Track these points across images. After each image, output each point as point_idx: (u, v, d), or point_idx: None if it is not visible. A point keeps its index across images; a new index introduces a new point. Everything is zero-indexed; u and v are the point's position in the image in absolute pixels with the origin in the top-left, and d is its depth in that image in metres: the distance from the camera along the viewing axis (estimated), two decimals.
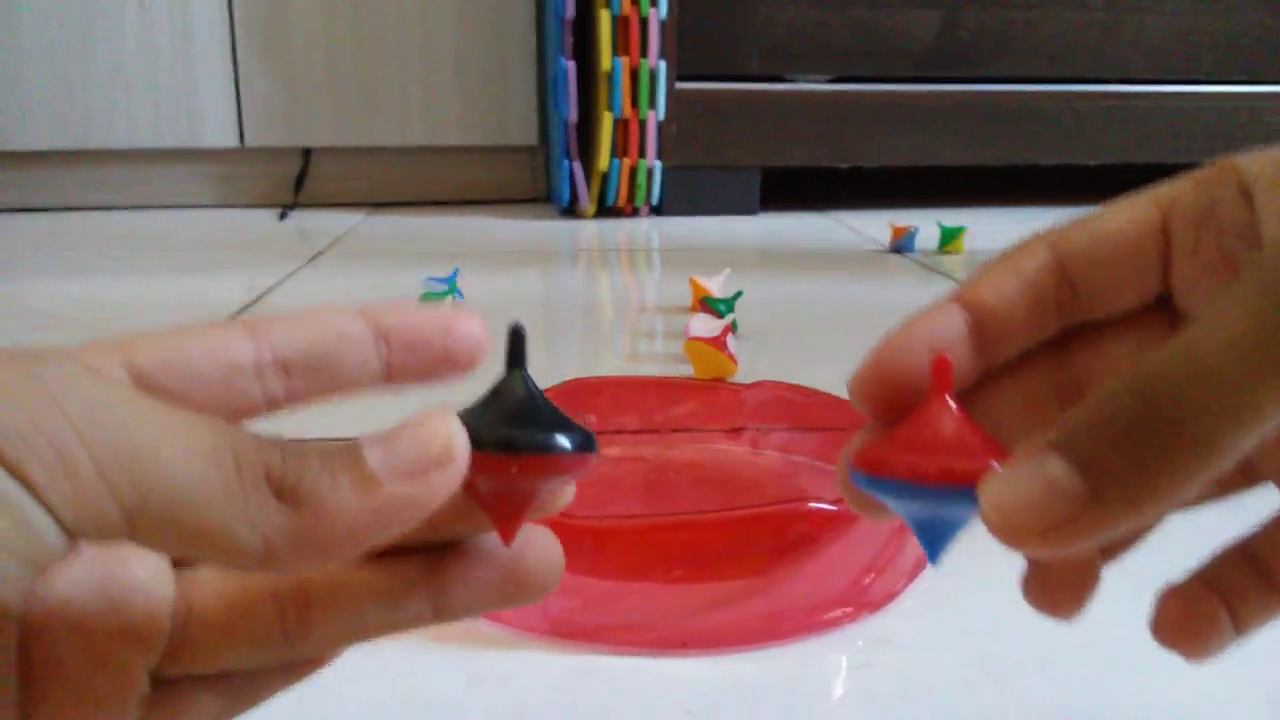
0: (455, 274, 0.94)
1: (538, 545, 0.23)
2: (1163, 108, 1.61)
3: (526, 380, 0.21)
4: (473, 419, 0.20)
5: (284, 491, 0.18)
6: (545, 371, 0.76)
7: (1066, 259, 0.24)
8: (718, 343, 0.74)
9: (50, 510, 0.16)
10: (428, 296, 0.86)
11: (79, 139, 1.63)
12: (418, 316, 0.22)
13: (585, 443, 0.21)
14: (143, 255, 1.33)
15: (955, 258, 1.24)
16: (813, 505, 0.43)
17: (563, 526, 0.42)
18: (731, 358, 0.74)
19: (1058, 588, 0.24)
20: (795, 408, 0.59)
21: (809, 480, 0.56)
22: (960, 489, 0.20)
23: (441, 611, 0.23)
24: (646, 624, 0.41)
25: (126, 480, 0.17)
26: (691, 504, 0.54)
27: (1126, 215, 0.24)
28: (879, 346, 0.24)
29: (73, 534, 0.17)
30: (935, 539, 0.21)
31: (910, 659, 0.41)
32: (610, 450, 0.59)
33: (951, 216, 1.36)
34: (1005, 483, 0.19)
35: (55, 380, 0.17)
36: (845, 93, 1.57)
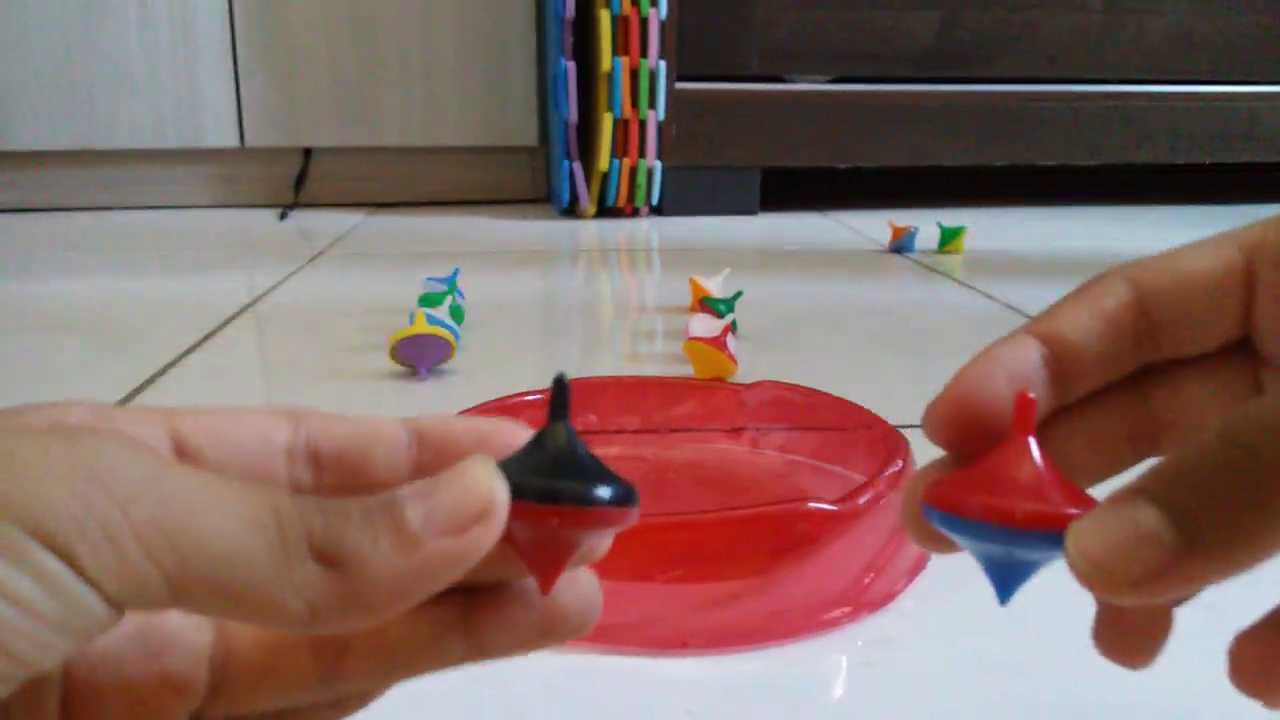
0: (455, 274, 0.94)
1: (575, 585, 0.23)
2: (1162, 108, 1.61)
3: (569, 431, 0.21)
4: (513, 469, 0.20)
5: (326, 555, 0.18)
6: (545, 371, 0.76)
7: (1148, 297, 0.24)
8: (718, 343, 0.74)
9: (96, 586, 0.16)
10: (427, 297, 0.86)
11: (80, 139, 1.63)
12: (456, 424, 0.22)
13: (627, 496, 0.21)
14: (143, 255, 1.33)
15: (955, 258, 1.24)
16: (813, 505, 0.43)
17: None
18: (731, 358, 0.74)
19: (1132, 635, 0.23)
20: (795, 408, 0.59)
21: (809, 480, 0.56)
22: (1044, 533, 0.20)
23: (478, 653, 0.23)
24: (646, 624, 0.41)
25: (171, 553, 0.17)
26: (691, 504, 0.54)
27: (1210, 256, 0.24)
28: (957, 378, 0.23)
29: (117, 605, 0.17)
30: (1009, 581, 0.21)
31: (910, 659, 0.41)
32: (610, 450, 0.59)
33: (951, 216, 1.36)
34: (1096, 529, 0.19)
35: (99, 458, 0.17)
36: (845, 93, 1.57)
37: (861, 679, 0.40)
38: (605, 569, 0.43)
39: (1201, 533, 0.18)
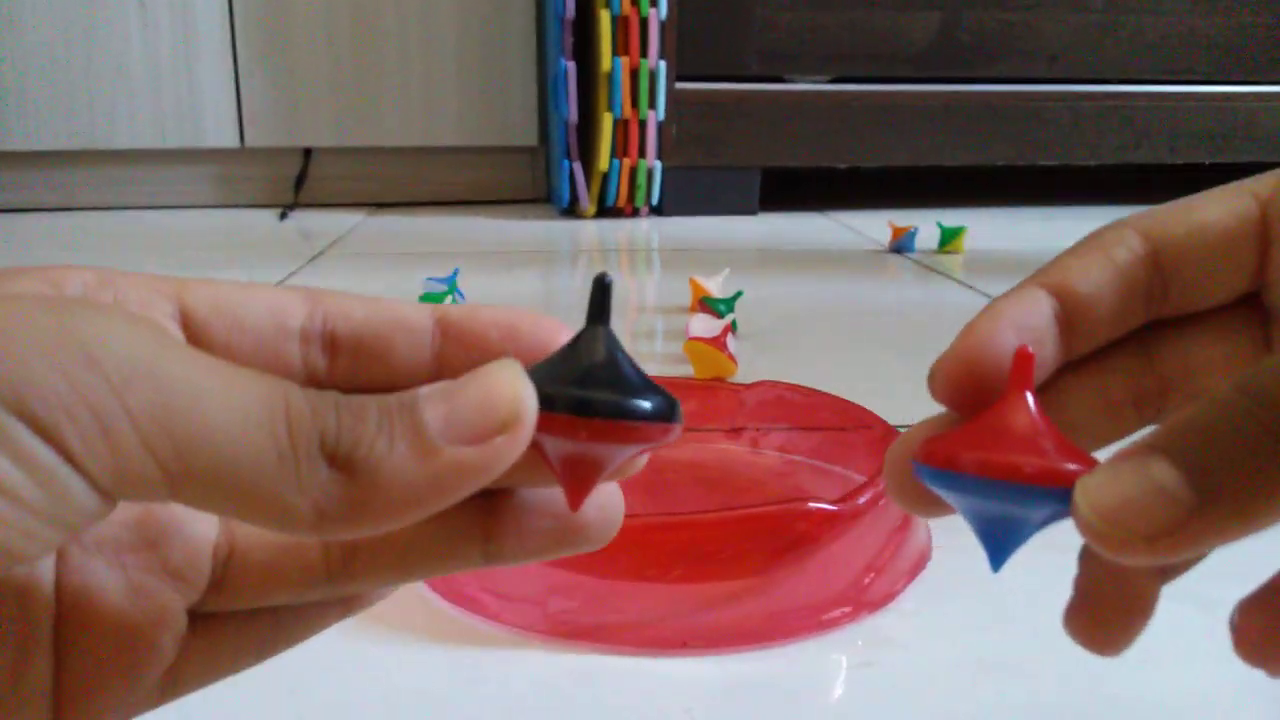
0: (455, 274, 0.94)
1: (598, 496, 0.21)
2: (1162, 108, 1.61)
3: (608, 336, 0.19)
4: (544, 376, 0.18)
5: (338, 458, 0.17)
6: None
7: (1162, 250, 0.22)
8: (718, 343, 0.74)
9: (87, 476, 0.15)
10: (427, 297, 0.86)
11: (80, 139, 1.63)
12: (482, 314, 0.21)
13: (668, 410, 0.19)
14: (143, 255, 1.33)
15: (955, 258, 1.24)
16: (812, 505, 0.43)
17: None
18: (731, 358, 0.74)
19: (1108, 620, 0.22)
20: (795, 408, 0.59)
21: (809, 480, 0.56)
22: (1047, 489, 0.19)
23: (492, 558, 0.21)
24: (646, 624, 0.41)
25: (170, 445, 0.16)
26: (691, 504, 0.54)
27: (1224, 207, 0.23)
28: (964, 334, 0.22)
29: (110, 496, 0.16)
30: (1004, 545, 0.20)
31: (910, 659, 0.41)
32: None
33: (951, 216, 1.36)
34: (1108, 484, 0.18)
35: (94, 336, 0.16)
36: (845, 93, 1.57)
37: (861, 679, 0.40)
38: (606, 569, 0.43)
39: (1219, 490, 0.17)
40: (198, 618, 0.21)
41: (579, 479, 0.19)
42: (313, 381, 0.20)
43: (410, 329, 0.21)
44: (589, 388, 0.18)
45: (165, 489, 0.16)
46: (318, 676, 0.39)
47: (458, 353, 0.21)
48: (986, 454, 0.19)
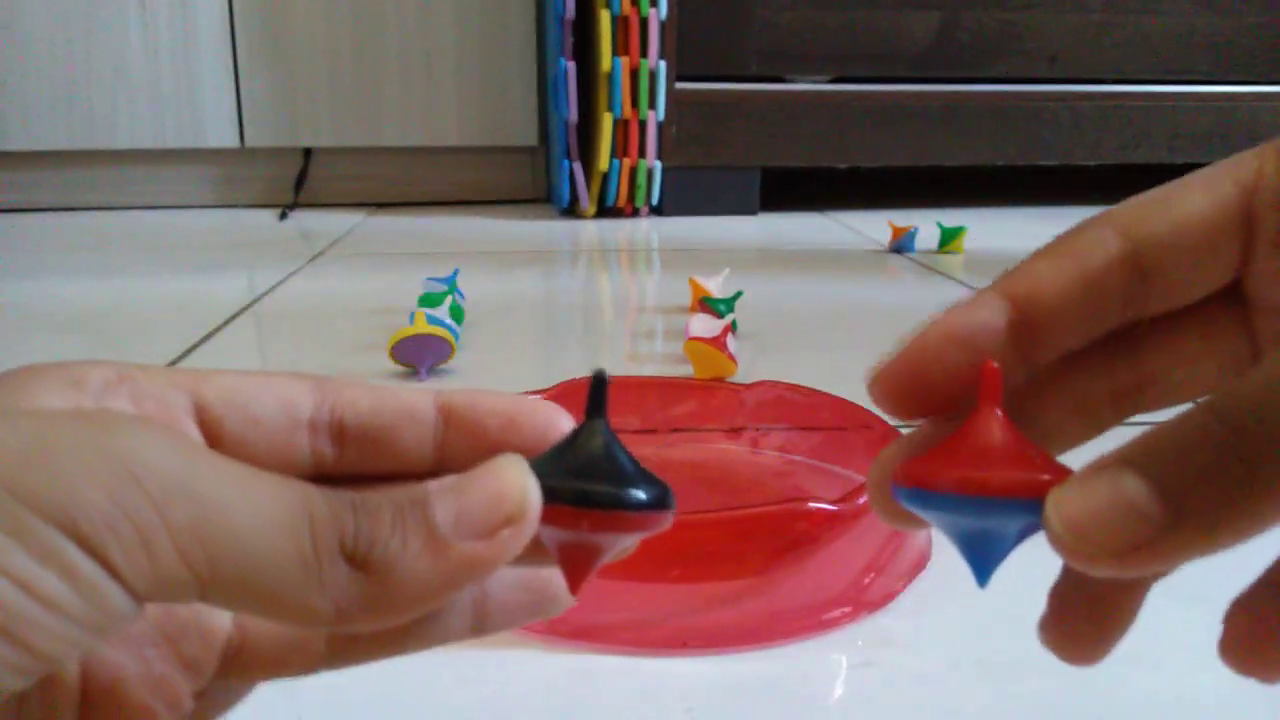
0: (455, 274, 0.94)
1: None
2: (1162, 108, 1.61)
3: (606, 429, 0.20)
4: (546, 468, 0.19)
5: (356, 558, 0.18)
6: (545, 371, 0.76)
7: (1142, 249, 0.22)
8: (718, 343, 0.74)
9: (126, 585, 0.16)
10: (427, 297, 0.86)
11: (80, 139, 1.63)
12: (484, 402, 0.22)
13: (661, 498, 0.20)
14: (143, 255, 1.33)
15: (955, 258, 1.24)
16: (812, 505, 0.43)
17: None
18: (731, 358, 0.74)
19: (1079, 630, 0.22)
20: (795, 408, 0.59)
21: (809, 480, 0.56)
22: (1021, 502, 0.19)
23: (478, 630, 0.23)
24: (646, 623, 0.41)
25: (203, 554, 0.17)
26: (691, 504, 0.54)
27: (1205, 197, 0.22)
28: (906, 343, 0.22)
29: (144, 600, 0.17)
30: (986, 560, 0.20)
31: (910, 659, 0.41)
32: None
33: (951, 216, 1.36)
34: (1079, 497, 0.18)
35: (133, 451, 0.17)
36: (845, 93, 1.57)
37: (861, 679, 0.40)
38: (605, 569, 0.43)
39: (1188, 510, 0.17)
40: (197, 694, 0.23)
41: (578, 565, 0.20)
42: (321, 470, 0.21)
43: (415, 419, 0.22)
44: (588, 480, 0.19)
45: (197, 594, 0.17)
46: (316, 676, 0.39)
47: (461, 442, 0.22)
48: (957, 471, 0.19)
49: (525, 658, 0.41)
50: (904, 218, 1.35)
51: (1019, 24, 1.58)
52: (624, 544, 0.21)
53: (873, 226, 1.47)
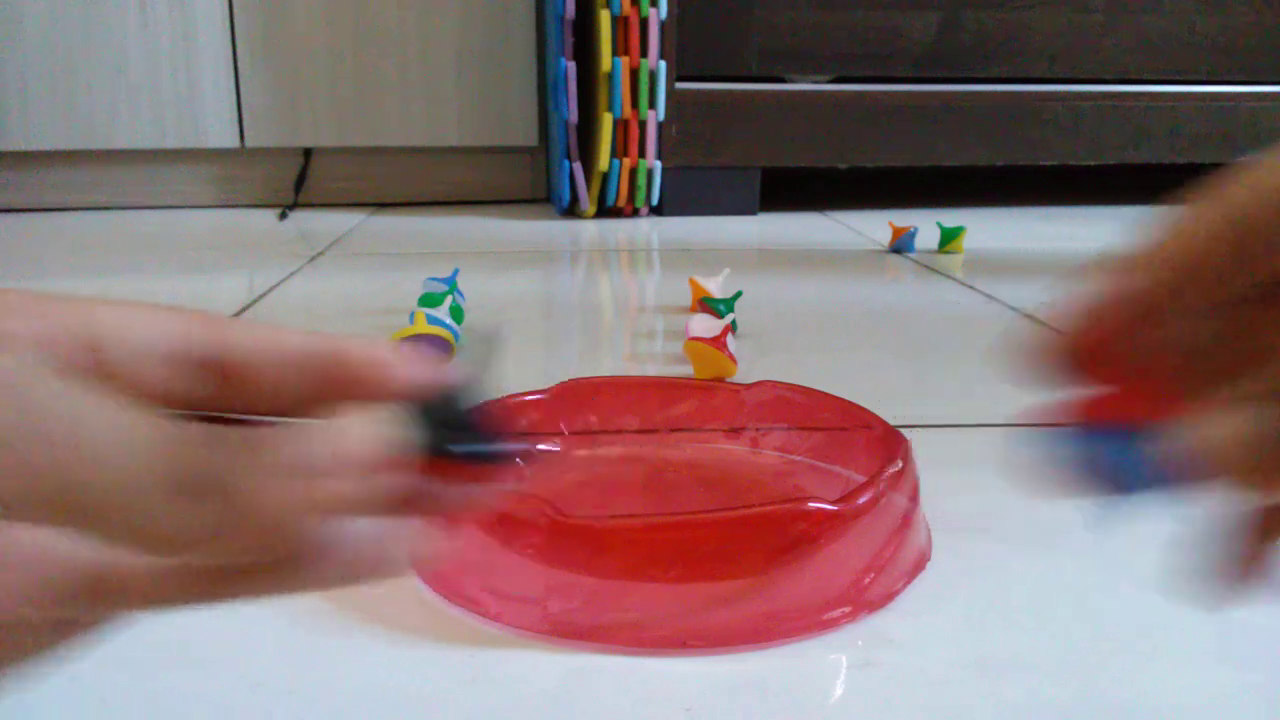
0: (455, 274, 0.94)
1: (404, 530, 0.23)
2: (1162, 108, 1.61)
3: (474, 388, 0.22)
4: (410, 420, 0.21)
5: (208, 490, 0.18)
6: (545, 371, 0.76)
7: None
8: (718, 343, 0.74)
9: None
10: (427, 297, 0.86)
11: (80, 139, 1.63)
12: (355, 349, 0.22)
13: (503, 454, 0.21)
14: (143, 255, 1.33)
15: (955, 258, 1.24)
16: (813, 505, 0.43)
17: (562, 526, 0.42)
18: (731, 358, 0.74)
19: (1244, 566, 0.24)
20: (795, 408, 0.59)
21: (809, 480, 0.56)
22: (1157, 425, 0.21)
23: (340, 579, 0.22)
24: (646, 623, 0.41)
25: (51, 469, 0.17)
26: (691, 504, 0.54)
27: None
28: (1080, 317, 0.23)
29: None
30: (1129, 487, 0.22)
31: (910, 659, 0.41)
32: (610, 450, 0.59)
33: (951, 216, 1.36)
34: (1222, 422, 0.20)
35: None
36: (845, 93, 1.57)
37: (861, 679, 0.40)
38: (605, 569, 0.43)
39: None
40: None
41: (434, 516, 0.22)
42: (193, 404, 0.22)
43: (290, 362, 0.22)
44: (439, 431, 0.21)
45: (45, 509, 0.17)
46: (316, 677, 0.39)
47: (329, 386, 0.22)
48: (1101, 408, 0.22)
49: (525, 658, 0.41)
50: (904, 218, 1.35)
51: (1019, 24, 1.58)
52: (471, 494, 0.22)
53: (873, 226, 1.47)
